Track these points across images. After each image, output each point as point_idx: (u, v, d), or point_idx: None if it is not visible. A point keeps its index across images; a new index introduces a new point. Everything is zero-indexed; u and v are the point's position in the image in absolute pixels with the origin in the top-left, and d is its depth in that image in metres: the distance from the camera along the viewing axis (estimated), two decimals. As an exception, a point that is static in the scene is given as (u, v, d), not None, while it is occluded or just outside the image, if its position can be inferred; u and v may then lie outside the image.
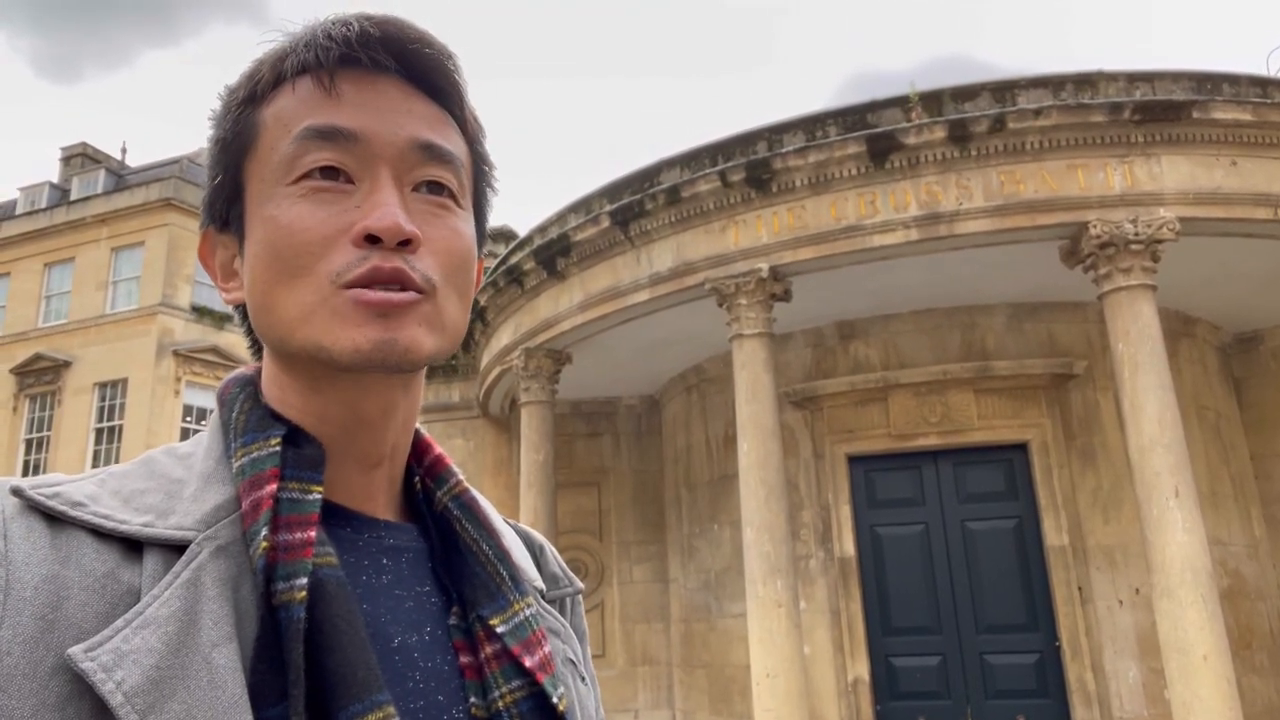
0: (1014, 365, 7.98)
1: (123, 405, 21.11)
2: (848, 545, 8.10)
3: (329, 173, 0.65)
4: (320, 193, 0.65)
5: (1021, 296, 8.03)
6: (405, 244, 0.64)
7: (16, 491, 0.59)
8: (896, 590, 7.98)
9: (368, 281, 0.63)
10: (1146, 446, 6.16)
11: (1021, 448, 8.00)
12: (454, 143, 0.71)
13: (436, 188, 0.69)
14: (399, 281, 0.64)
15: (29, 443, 21.90)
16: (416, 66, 0.69)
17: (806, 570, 8.10)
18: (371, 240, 0.63)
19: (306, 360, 0.66)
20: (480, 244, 0.77)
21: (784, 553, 6.71)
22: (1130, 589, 7.49)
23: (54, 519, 0.58)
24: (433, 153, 0.68)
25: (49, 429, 21.72)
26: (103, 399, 21.41)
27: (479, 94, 0.80)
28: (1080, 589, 7.61)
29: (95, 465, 20.65)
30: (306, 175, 0.65)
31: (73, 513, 0.58)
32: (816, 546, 8.19)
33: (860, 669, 7.84)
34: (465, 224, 0.71)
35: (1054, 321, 8.14)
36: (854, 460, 8.31)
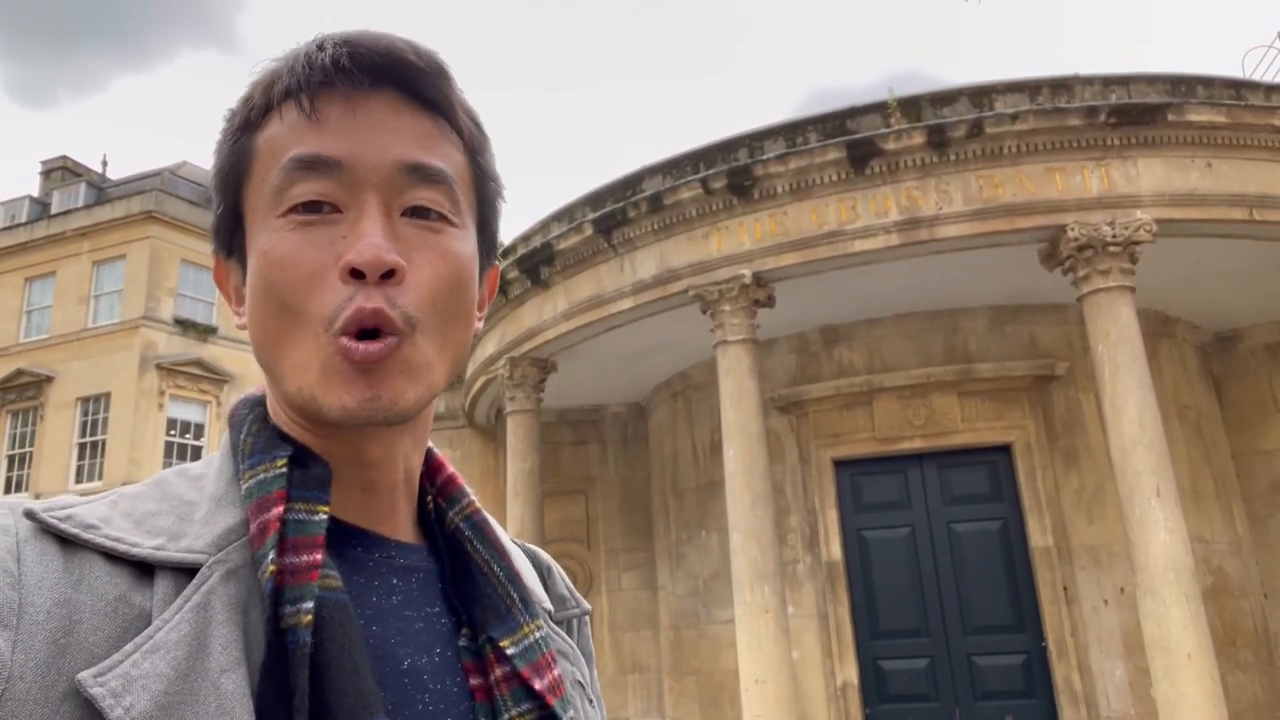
0: (996, 368, 8.04)
1: (106, 420, 20.94)
2: (835, 549, 8.12)
3: (313, 206, 0.65)
4: (308, 226, 0.64)
5: (1003, 299, 8.08)
6: (390, 274, 0.63)
7: (30, 514, 0.59)
8: (884, 593, 8.01)
9: (353, 325, 0.62)
10: (1128, 447, 6.21)
11: (1005, 449, 8.05)
12: (448, 158, 0.69)
13: (424, 212, 0.67)
14: (376, 323, 0.63)
15: (11, 459, 21.70)
16: (406, 81, 0.67)
17: (794, 575, 8.11)
18: (356, 274, 0.63)
19: (302, 405, 0.66)
20: (489, 255, 0.77)
21: (771, 558, 6.72)
22: (1115, 588, 7.54)
23: (67, 542, 0.58)
24: (421, 174, 0.66)
25: (31, 445, 21.52)
26: (85, 414, 21.24)
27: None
28: (1065, 589, 7.65)
29: (78, 481, 20.50)
30: (293, 209, 0.65)
31: (85, 535, 0.58)
32: (804, 551, 8.21)
33: (849, 673, 7.86)
34: (460, 243, 0.69)
35: (1035, 324, 8.20)
36: (840, 464, 8.34)
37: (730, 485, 6.93)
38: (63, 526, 0.58)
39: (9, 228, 24.23)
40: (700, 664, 8.98)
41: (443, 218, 0.68)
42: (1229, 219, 6.63)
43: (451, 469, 0.80)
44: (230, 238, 0.71)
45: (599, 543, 10.18)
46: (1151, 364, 7.07)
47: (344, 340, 0.62)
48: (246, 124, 0.68)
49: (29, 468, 21.35)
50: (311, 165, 0.64)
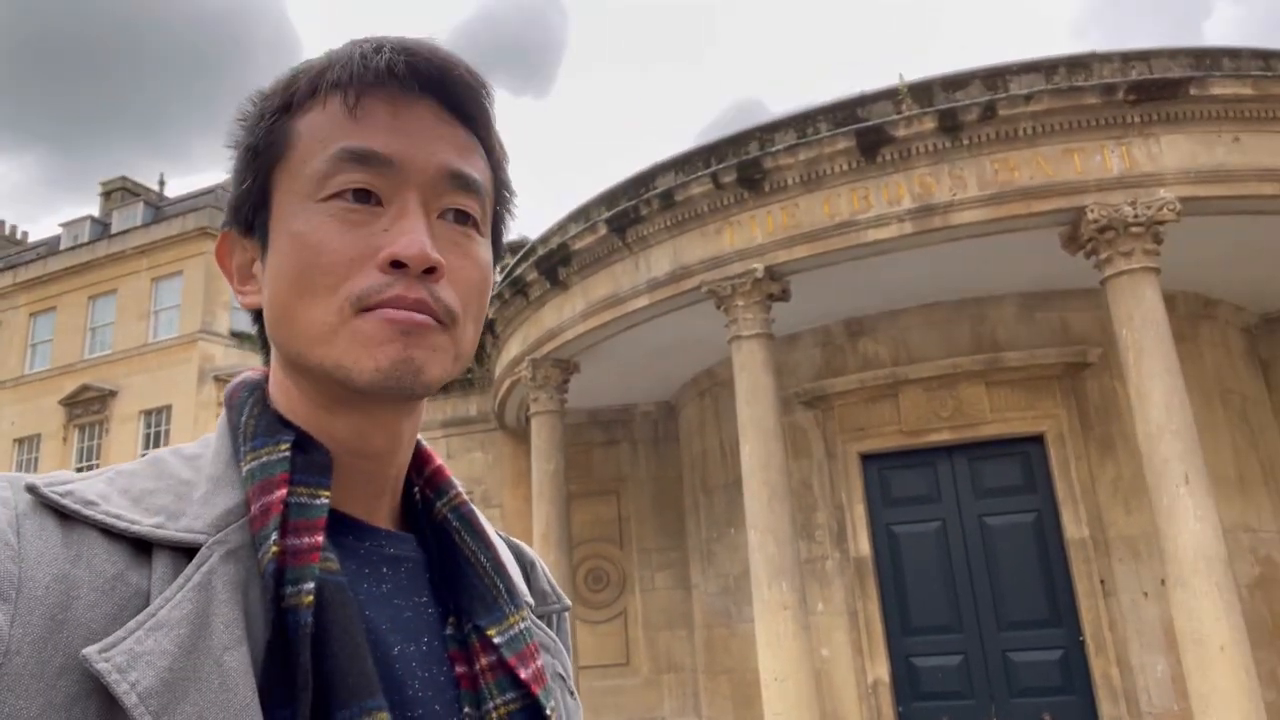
0: (1026, 356, 7.83)
1: (168, 431, 21.61)
2: (863, 545, 7.99)
3: (361, 195, 0.66)
4: (350, 214, 0.66)
5: (1031, 285, 7.87)
6: (430, 271, 0.65)
7: (31, 488, 0.59)
8: (915, 589, 7.85)
9: (391, 306, 0.64)
10: (1154, 433, 6.00)
11: (1037, 439, 7.83)
12: (480, 170, 0.72)
13: (463, 216, 0.70)
14: (421, 311, 0.65)
15: (79, 470, 22.49)
16: (448, 92, 0.70)
17: (823, 572, 8.01)
18: (397, 266, 0.64)
19: (322, 377, 0.67)
20: (495, 262, 0.79)
21: (789, 554, 6.64)
22: (1155, 580, 7.28)
23: (66, 517, 0.58)
24: (461, 181, 0.69)
25: (98, 458, 22.29)
26: (148, 426, 21.94)
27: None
28: (1103, 582, 7.42)
29: (142, 491, 21.20)
30: (338, 195, 0.66)
31: (85, 512, 0.59)
32: (832, 547, 8.09)
33: (880, 670, 7.73)
34: (485, 251, 0.72)
35: (1066, 309, 7.97)
36: (867, 459, 8.20)
37: (747, 482, 6.86)
38: (63, 502, 0.59)
39: (72, 248, 25.14)
40: (733, 663, 8.91)
41: (476, 225, 0.71)
42: (1259, 195, 6.36)
43: (439, 461, 0.80)
44: (253, 215, 0.71)
45: (631, 542, 10.17)
46: (1192, 347, 6.80)
47: (382, 309, 0.64)
48: (286, 106, 0.69)
49: (96, 479, 22.10)
50: (362, 159, 0.66)
